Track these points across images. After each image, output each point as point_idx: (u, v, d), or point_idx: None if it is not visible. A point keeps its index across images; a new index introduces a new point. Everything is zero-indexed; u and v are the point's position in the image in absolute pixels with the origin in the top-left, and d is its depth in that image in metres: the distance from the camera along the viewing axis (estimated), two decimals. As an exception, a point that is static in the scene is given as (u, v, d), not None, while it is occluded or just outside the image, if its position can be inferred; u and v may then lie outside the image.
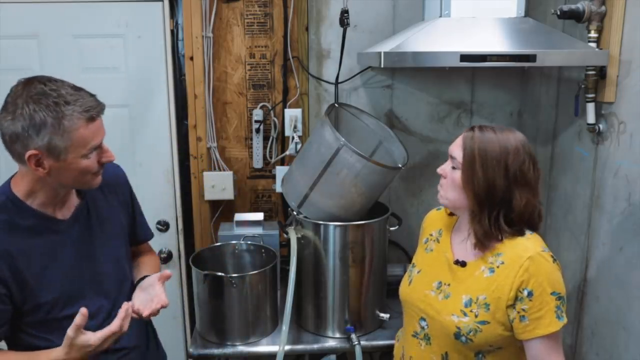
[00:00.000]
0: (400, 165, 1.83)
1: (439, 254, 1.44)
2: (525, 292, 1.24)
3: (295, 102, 2.26)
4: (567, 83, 1.94)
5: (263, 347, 1.83)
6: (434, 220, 1.55)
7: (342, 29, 2.05)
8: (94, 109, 1.21)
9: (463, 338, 1.30)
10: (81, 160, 1.22)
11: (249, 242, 2.03)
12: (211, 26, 2.17)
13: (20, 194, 1.27)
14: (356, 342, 1.78)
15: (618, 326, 1.64)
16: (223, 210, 2.32)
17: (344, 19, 2.00)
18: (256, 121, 2.25)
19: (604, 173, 1.71)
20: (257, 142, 2.28)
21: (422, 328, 1.40)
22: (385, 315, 1.87)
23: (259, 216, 2.12)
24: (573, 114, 1.84)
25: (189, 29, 2.15)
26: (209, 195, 2.26)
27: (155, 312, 1.35)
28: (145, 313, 1.34)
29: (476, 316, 1.29)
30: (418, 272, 1.48)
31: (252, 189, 2.36)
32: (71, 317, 1.22)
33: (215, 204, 2.33)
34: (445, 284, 1.38)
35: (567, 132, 1.95)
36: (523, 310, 1.25)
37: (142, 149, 2.30)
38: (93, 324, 1.30)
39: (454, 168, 1.34)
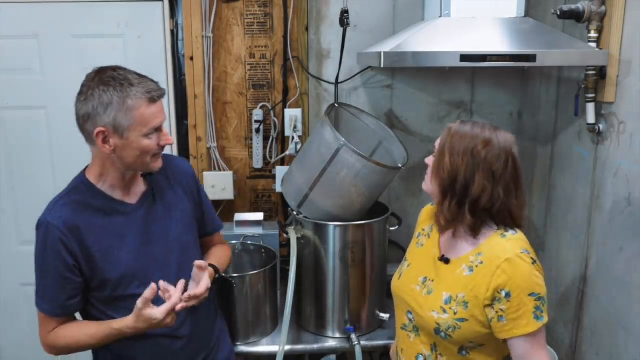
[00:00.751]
0: (400, 165, 1.83)
1: (428, 249, 1.47)
2: (503, 293, 1.26)
3: (295, 102, 2.26)
4: (567, 83, 1.94)
5: (263, 347, 1.83)
6: (428, 215, 1.56)
7: (342, 29, 2.05)
8: (155, 92, 1.32)
9: (442, 334, 1.33)
10: (142, 139, 1.32)
11: (249, 242, 2.03)
12: (211, 26, 2.17)
13: (92, 178, 1.40)
14: (356, 342, 1.79)
15: (618, 326, 1.64)
16: (223, 210, 2.32)
17: (344, 19, 2.00)
18: (256, 121, 2.25)
19: (604, 173, 1.71)
20: (257, 142, 2.28)
21: (410, 320, 1.43)
22: (385, 315, 1.87)
23: (259, 216, 2.12)
24: (573, 114, 1.84)
25: (189, 29, 2.15)
26: (209, 195, 2.24)
27: (192, 297, 1.40)
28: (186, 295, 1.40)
29: (455, 313, 1.32)
30: (408, 266, 1.51)
31: (252, 189, 2.36)
32: (136, 297, 1.31)
33: (215, 204, 2.31)
34: (429, 279, 1.41)
35: (567, 132, 1.95)
36: (501, 310, 1.27)
37: (142, 149, 2.29)
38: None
39: (434, 157, 1.41)
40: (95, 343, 1.38)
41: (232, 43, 2.22)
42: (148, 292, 1.29)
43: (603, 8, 1.65)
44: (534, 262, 1.29)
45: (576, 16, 1.67)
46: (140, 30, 2.20)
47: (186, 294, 1.37)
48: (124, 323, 1.33)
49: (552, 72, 2.05)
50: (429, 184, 1.41)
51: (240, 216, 2.12)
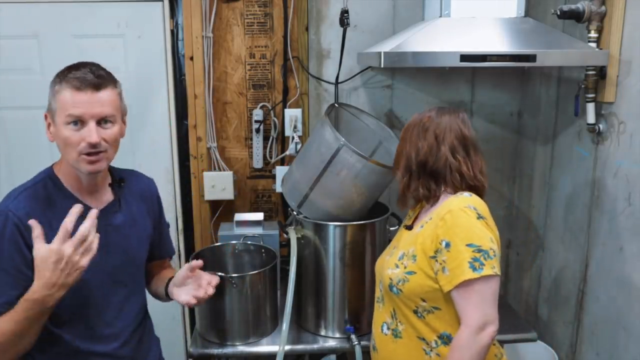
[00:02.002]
0: (400, 165, 1.83)
1: (405, 225, 1.56)
2: (444, 244, 1.30)
3: (295, 102, 2.26)
4: (567, 83, 1.94)
5: (263, 347, 1.83)
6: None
7: (342, 29, 2.05)
8: (86, 82, 1.25)
9: (395, 289, 1.40)
10: (63, 127, 1.26)
11: (249, 242, 2.03)
12: (211, 26, 2.17)
13: (59, 174, 1.36)
14: (356, 342, 1.78)
15: (618, 326, 1.64)
16: (223, 210, 2.32)
17: (344, 19, 2.00)
18: (256, 121, 2.25)
19: (604, 173, 1.71)
20: (257, 142, 2.28)
21: (380, 291, 1.52)
22: (385, 315, 1.87)
23: (259, 216, 2.11)
24: (573, 114, 1.84)
25: (189, 29, 2.15)
26: (209, 195, 2.26)
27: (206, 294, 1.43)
28: (202, 294, 1.43)
29: (405, 267, 1.39)
30: (389, 244, 1.62)
31: (252, 189, 2.36)
32: (86, 305, 1.29)
33: (215, 204, 2.33)
34: (395, 247, 1.51)
35: (567, 132, 1.95)
36: (443, 262, 1.30)
37: (142, 149, 2.29)
38: (110, 315, 1.38)
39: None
40: (14, 327, 1.20)
41: (232, 43, 2.22)
42: (36, 229, 1.18)
43: (603, 8, 1.65)
44: (480, 217, 1.32)
45: (576, 16, 1.67)
46: (140, 30, 2.20)
47: (208, 284, 1.42)
48: (32, 286, 1.19)
49: (552, 72, 2.05)
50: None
51: (240, 216, 2.12)
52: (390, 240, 1.95)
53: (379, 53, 1.68)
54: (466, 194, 1.39)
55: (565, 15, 1.68)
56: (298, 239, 1.81)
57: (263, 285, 1.82)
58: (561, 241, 1.99)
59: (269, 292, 1.85)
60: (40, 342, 1.27)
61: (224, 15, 2.19)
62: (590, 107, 1.72)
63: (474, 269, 1.26)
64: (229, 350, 1.81)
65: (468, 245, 1.27)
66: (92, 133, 1.25)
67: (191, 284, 1.49)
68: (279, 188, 2.24)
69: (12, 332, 1.20)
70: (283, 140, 2.30)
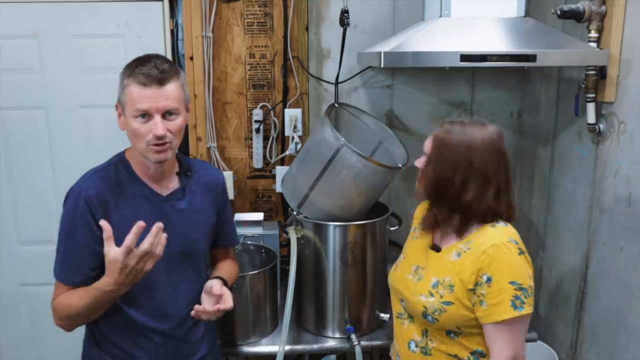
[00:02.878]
0: (400, 165, 1.83)
1: (422, 240, 1.51)
2: (485, 278, 1.29)
3: (295, 102, 2.26)
4: (567, 83, 1.94)
5: (263, 347, 1.83)
6: (423, 210, 1.57)
7: (342, 29, 2.05)
8: (149, 78, 1.32)
9: (430, 317, 1.36)
10: (132, 120, 1.34)
11: (249, 242, 2.03)
12: (211, 26, 2.17)
13: (130, 158, 1.45)
14: (356, 342, 1.78)
15: (618, 326, 1.64)
16: (223, 210, 2.32)
17: (344, 19, 2.00)
18: (256, 121, 2.25)
19: (604, 173, 1.71)
20: (257, 142, 2.28)
21: (404, 308, 1.48)
22: (385, 316, 1.87)
23: (259, 216, 2.11)
24: (573, 114, 1.84)
25: (189, 28, 2.15)
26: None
27: (215, 311, 1.41)
28: (208, 309, 1.41)
29: (441, 297, 1.35)
30: (403, 258, 1.56)
31: (252, 189, 2.36)
32: (143, 285, 1.36)
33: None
34: (421, 267, 1.45)
35: (567, 132, 1.95)
36: (482, 295, 1.29)
37: (142, 149, 2.29)
38: (168, 295, 1.45)
39: (424, 163, 1.43)
40: (84, 306, 1.33)
41: (232, 43, 2.22)
42: (106, 231, 1.24)
43: (603, 8, 1.65)
44: (521, 252, 1.31)
45: (576, 16, 1.67)
46: (140, 30, 2.20)
47: (215, 307, 1.40)
48: (103, 279, 1.29)
49: (552, 72, 2.05)
50: (419, 188, 1.45)
51: (240, 216, 2.11)
52: (390, 241, 1.96)
53: (379, 53, 1.68)
54: (502, 223, 1.36)
55: (565, 15, 1.68)
56: (298, 239, 1.80)
57: (263, 285, 1.82)
58: (561, 241, 1.99)
59: (269, 292, 1.85)
60: (111, 318, 1.42)
61: (224, 15, 2.19)
62: (591, 107, 1.72)
63: (515, 307, 1.27)
64: (229, 350, 1.81)
65: (511, 282, 1.27)
66: (158, 126, 1.33)
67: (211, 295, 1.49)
68: (279, 188, 2.23)
69: (81, 309, 1.34)
70: (283, 140, 2.30)
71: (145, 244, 1.25)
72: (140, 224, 1.23)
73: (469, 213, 1.36)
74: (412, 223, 1.62)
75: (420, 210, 1.60)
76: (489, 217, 1.37)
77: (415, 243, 1.53)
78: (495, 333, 1.30)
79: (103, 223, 1.24)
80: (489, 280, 1.28)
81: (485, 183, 1.34)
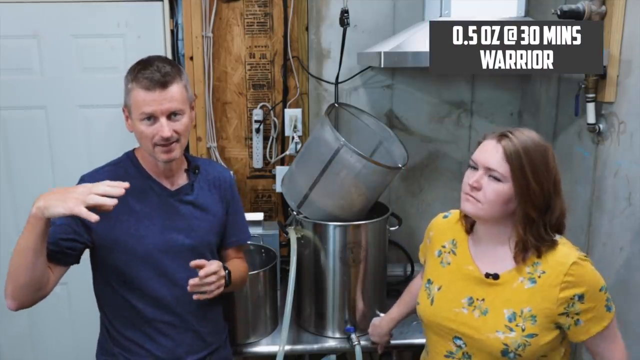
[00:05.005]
0: (400, 165, 1.83)
1: (459, 267, 1.36)
2: (577, 297, 1.22)
3: (295, 102, 2.26)
4: (567, 83, 1.94)
5: (263, 347, 1.83)
6: (443, 230, 1.45)
7: (342, 29, 2.05)
8: (153, 82, 1.35)
9: (512, 354, 1.24)
10: (138, 123, 1.38)
11: (249, 242, 2.02)
12: (211, 26, 2.17)
13: (139, 156, 1.49)
14: (356, 342, 1.78)
15: (618, 326, 1.64)
16: (223, 210, 2.32)
17: (344, 19, 2.00)
18: (256, 121, 2.25)
19: (604, 173, 1.71)
20: (257, 142, 2.28)
21: (459, 347, 1.32)
22: (385, 315, 1.87)
23: (259, 216, 2.11)
24: (573, 114, 1.84)
25: (189, 28, 2.15)
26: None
27: (204, 280, 1.37)
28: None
29: (523, 330, 1.24)
30: (439, 289, 1.37)
31: (252, 189, 2.36)
32: (145, 278, 1.41)
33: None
34: (478, 299, 1.30)
35: (567, 132, 1.95)
36: (577, 314, 1.24)
37: (142, 149, 2.30)
38: (177, 290, 1.44)
39: (496, 180, 1.24)
40: (25, 243, 1.22)
41: (232, 43, 2.22)
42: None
43: (603, 8, 1.65)
44: (586, 256, 1.28)
45: (576, 16, 1.67)
46: (140, 30, 2.20)
47: (202, 272, 1.35)
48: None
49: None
50: (489, 210, 1.26)
51: (240, 216, 2.11)
52: (390, 241, 1.96)
53: (379, 53, 1.68)
54: (557, 236, 1.29)
55: (565, 15, 1.68)
56: (298, 239, 1.80)
57: (263, 285, 1.82)
58: (561, 241, 1.99)
59: (269, 292, 1.86)
60: (113, 308, 1.47)
61: (224, 15, 2.19)
62: (591, 107, 1.72)
63: (608, 309, 1.25)
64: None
65: (600, 289, 1.24)
66: (164, 128, 1.37)
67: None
68: (279, 188, 2.23)
69: (17, 252, 1.24)
70: (283, 140, 2.30)
71: (113, 183, 1.21)
72: (125, 184, 1.23)
73: (552, 225, 1.27)
74: (430, 245, 1.47)
75: (438, 229, 1.46)
76: (559, 226, 1.29)
77: (451, 270, 1.37)
78: (601, 342, 1.27)
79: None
80: (581, 298, 1.22)
81: (561, 189, 1.28)
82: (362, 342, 1.80)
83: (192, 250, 1.48)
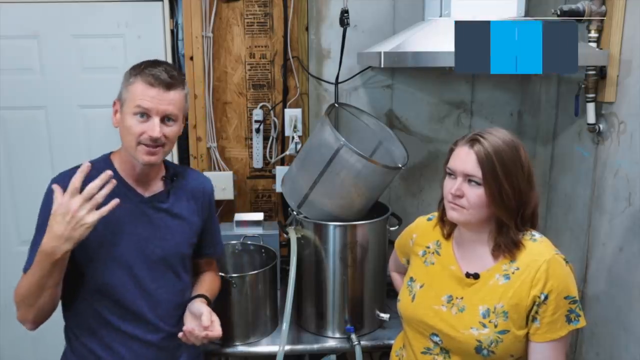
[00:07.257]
0: (400, 165, 1.83)
1: (443, 266, 1.38)
2: (542, 296, 1.23)
3: (295, 102, 2.26)
4: (567, 83, 1.94)
5: (263, 347, 1.83)
6: (426, 231, 1.48)
7: (342, 29, 2.05)
8: (158, 79, 1.34)
9: (485, 351, 1.26)
10: (129, 116, 1.35)
11: (249, 242, 2.03)
12: (211, 26, 2.17)
13: (115, 160, 1.45)
14: (356, 342, 1.78)
15: (618, 326, 1.64)
16: (223, 210, 2.32)
17: (344, 19, 2.00)
18: (256, 121, 2.25)
19: (604, 173, 1.71)
20: (257, 142, 2.28)
21: (437, 344, 1.34)
22: (385, 315, 1.87)
23: (259, 216, 2.11)
24: (573, 114, 1.84)
25: (189, 28, 2.15)
26: (209, 195, 2.26)
27: (203, 337, 1.40)
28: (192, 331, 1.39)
29: (495, 326, 1.26)
30: (420, 286, 1.40)
31: (252, 189, 2.36)
32: (121, 286, 1.37)
33: (215, 204, 2.32)
34: (457, 297, 1.33)
35: (567, 132, 1.95)
36: (537, 313, 1.24)
37: (142, 149, 2.29)
38: (151, 302, 1.42)
39: (477, 184, 1.26)
40: (32, 279, 1.29)
41: (232, 43, 2.22)
42: (56, 191, 1.23)
43: (603, 8, 1.65)
44: (567, 262, 1.28)
45: (576, 16, 1.67)
46: (140, 30, 2.20)
47: (204, 332, 1.38)
48: (44, 238, 1.24)
49: (552, 72, 2.05)
50: (476, 215, 1.28)
51: (240, 216, 2.12)
52: (390, 241, 1.96)
53: (379, 53, 1.68)
54: (537, 234, 1.31)
55: (565, 15, 1.68)
56: (298, 239, 1.80)
57: (263, 285, 1.82)
58: (561, 241, 1.99)
59: (269, 292, 1.86)
60: (84, 319, 1.41)
61: (224, 15, 2.19)
62: (591, 107, 1.72)
63: (570, 321, 1.23)
64: (229, 350, 1.81)
65: (566, 297, 1.23)
66: (155, 127, 1.34)
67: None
68: (279, 188, 2.23)
69: (31, 284, 1.29)
70: (283, 140, 2.30)
71: (91, 185, 1.23)
72: (108, 172, 1.25)
73: (525, 219, 1.29)
74: (414, 244, 1.49)
75: (423, 231, 1.49)
76: (530, 223, 1.31)
77: (434, 270, 1.40)
78: (548, 352, 1.24)
79: (54, 186, 1.23)
80: (546, 298, 1.22)
81: (533, 183, 1.28)
82: (362, 342, 1.80)
83: (163, 260, 1.46)
